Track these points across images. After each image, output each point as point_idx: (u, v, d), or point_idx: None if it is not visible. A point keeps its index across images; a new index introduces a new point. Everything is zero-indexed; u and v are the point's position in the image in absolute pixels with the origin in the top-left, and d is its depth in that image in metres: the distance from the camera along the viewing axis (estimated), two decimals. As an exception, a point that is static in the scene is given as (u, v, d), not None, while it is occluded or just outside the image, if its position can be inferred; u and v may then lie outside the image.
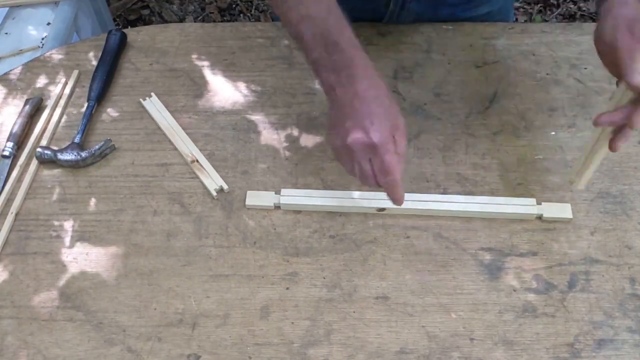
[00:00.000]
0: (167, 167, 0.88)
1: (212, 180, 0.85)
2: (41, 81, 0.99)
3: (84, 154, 0.87)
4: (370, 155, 0.69)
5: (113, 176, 0.88)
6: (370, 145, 0.68)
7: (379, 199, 0.82)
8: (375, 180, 0.71)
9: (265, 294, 0.76)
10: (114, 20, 2.11)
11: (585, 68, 0.97)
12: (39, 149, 0.88)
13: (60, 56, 1.03)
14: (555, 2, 2.25)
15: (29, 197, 0.86)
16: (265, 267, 0.78)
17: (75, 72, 0.99)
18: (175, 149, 0.90)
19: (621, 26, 0.67)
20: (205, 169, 0.86)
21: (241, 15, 2.29)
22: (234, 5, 2.32)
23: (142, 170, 0.88)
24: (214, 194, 0.84)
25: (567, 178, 0.79)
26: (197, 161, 0.87)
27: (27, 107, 0.93)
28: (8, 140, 0.90)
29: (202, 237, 0.81)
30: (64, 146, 0.89)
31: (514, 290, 0.75)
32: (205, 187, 0.85)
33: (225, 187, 0.85)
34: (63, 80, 0.98)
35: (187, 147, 0.89)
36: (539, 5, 2.25)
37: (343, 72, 0.70)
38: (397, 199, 0.72)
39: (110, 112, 0.95)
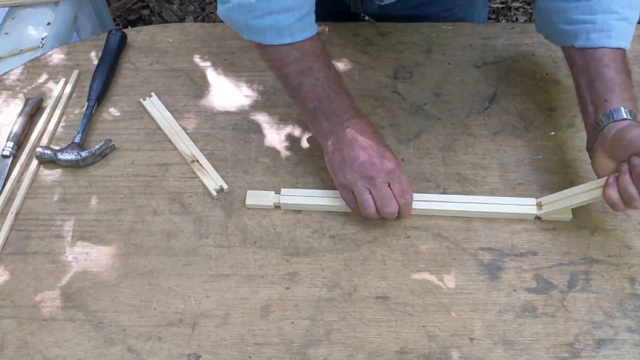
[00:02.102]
0: (167, 167, 0.88)
1: (212, 180, 0.85)
2: (41, 81, 0.99)
3: (84, 154, 0.87)
4: (389, 179, 0.75)
5: (113, 176, 0.88)
6: (391, 171, 0.75)
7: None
8: (391, 206, 0.76)
9: (265, 293, 0.76)
10: (114, 20, 2.11)
11: (585, 68, 0.97)
12: (39, 149, 0.88)
13: (60, 56, 1.03)
14: (555, 2, 2.25)
15: (29, 197, 0.86)
16: (265, 267, 0.78)
17: (75, 72, 0.99)
18: (175, 149, 0.90)
19: None
20: (205, 169, 0.86)
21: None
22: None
23: (142, 170, 0.88)
24: (214, 193, 0.84)
25: (537, 201, 0.81)
26: (197, 161, 0.87)
27: (27, 107, 0.93)
28: (8, 140, 0.90)
29: (202, 237, 0.81)
30: (64, 146, 0.89)
31: (514, 290, 0.75)
32: (205, 187, 0.85)
33: (225, 187, 0.85)
34: (63, 80, 0.98)
35: (187, 147, 0.89)
36: (538, 5, 2.25)
37: (345, 114, 0.78)
38: (408, 212, 0.79)
39: (110, 112, 0.95)
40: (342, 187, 0.78)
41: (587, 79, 0.78)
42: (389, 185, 0.75)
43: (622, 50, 0.77)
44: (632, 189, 0.69)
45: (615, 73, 0.76)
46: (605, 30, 0.77)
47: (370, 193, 0.75)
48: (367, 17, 1.13)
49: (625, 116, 0.73)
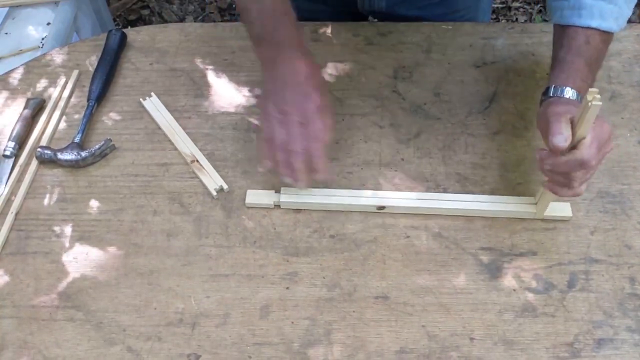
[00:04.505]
0: (167, 167, 0.88)
1: (212, 180, 0.85)
2: (41, 81, 0.99)
3: (84, 154, 0.87)
4: (305, 119, 0.76)
5: (113, 176, 0.88)
6: (310, 112, 0.76)
7: (379, 198, 0.82)
8: (296, 146, 0.76)
9: (265, 293, 0.76)
10: (114, 20, 2.11)
11: (585, 68, 0.97)
12: (39, 149, 0.88)
13: (60, 56, 1.03)
14: (555, 2, 2.25)
15: (29, 197, 0.86)
16: (265, 266, 0.78)
17: (75, 72, 0.99)
18: (175, 149, 0.90)
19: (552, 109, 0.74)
20: (205, 169, 0.86)
21: (241, 15, 2.29)
22: (234, 5, 2.32)
23: (142, 170, 0.88)
24: (214, 193, 0.84)
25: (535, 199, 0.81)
26: (197, 161, 0.87)
27: (29, 107, 0.93)
28: (9, 140, 0.90)
29: (202, 237, 0.81)
30: (64, 146, 0.89)
31: (514, 290, 0.75)
32: (205, 187, 0.85)
33: (225, 186, 0.85)
34: (63, 80, 0.98)
35: (187, 147, 0.89)
36: (539, 5, 2.25)
37: (288, 46, 0.79)
38: (319, 169, 0.77)
39: (110, 112, 0.95)
40: (261, 114, 0.80)
41: (555, 52, 0.81)
42: (301, 124, 0.76)
43: (595, 29, 0.77)
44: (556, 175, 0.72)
45: (569, 53, 0.77)
46: (577, 9, 0.77)
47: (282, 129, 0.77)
48: (371, 18, 1.13)
49: (552, 94, 0.76)
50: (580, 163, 0.69)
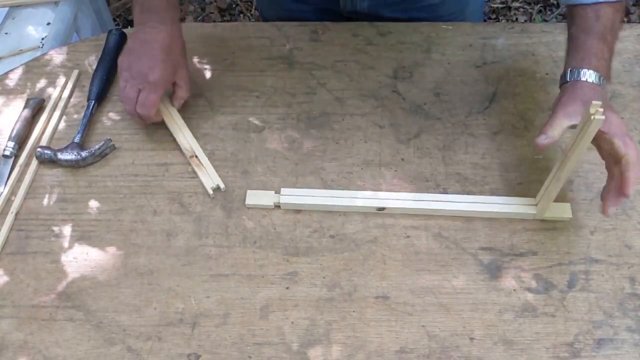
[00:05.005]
0: (167, 167, 0.88)
1: (210, 179, 0.85)
2: (41, 81, 0.99)
3: (84, 154, 0.87)
4: (142, 87, 0.85)
5: (113, 176, 0.88)
6: (148, 82, 0.84)
7: (379, 199, 0.82)
8: (133, 107, 0.86)
9: (265, 293, 0.76)
10: (114, 20, 2.11)
11: (585, 68, 0.97)
12: (39, 149, 0.88)
13: (60, 56, 1.03)
14: (555, 2, 2.25)
15: (29, 197, 0.86)
16: (265, 266, 0.78)
17: (75, 72, 0.99)
18: (177, 148, 0.89)
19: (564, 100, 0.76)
20: (204, 166, 0.86)
21: (241, 15, 2.29)
22: (234, 5, 2.32)
23: (142, 170, 0.88)
24: (211, 192, 0.84)
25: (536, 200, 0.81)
26: (196, 156, 0.87)
27: (29, 107, 0.93)
28: (9, 140, 0.90)
29: (202, 237, 0.81)
30: (64, 146, 0.89)
31: (514, 290, 0.75)
32: (202, 186, 0.85)
33: (222, 186, 0.85)
34: (63, 80, 0.98)
35: (188, 142, 0.89)
36: (539, 5, 2.25)
37: (157, 15, 0.87)
38: (148, 118, 0.88)
39: (110, 111, 0.95)
40: (119, 68, 0.88)
41: (569, 32, 0.81)
42: (139, 91, 0.85)
43: (603, 3, 0.76)
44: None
45: (582, 33, 0.78)
46: None
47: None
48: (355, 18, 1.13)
49: (568, 78, 0.77)
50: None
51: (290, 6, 1.11)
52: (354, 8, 1.05)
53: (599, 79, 0.75)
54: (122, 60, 0.88)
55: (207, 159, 0.87)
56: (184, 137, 0.89)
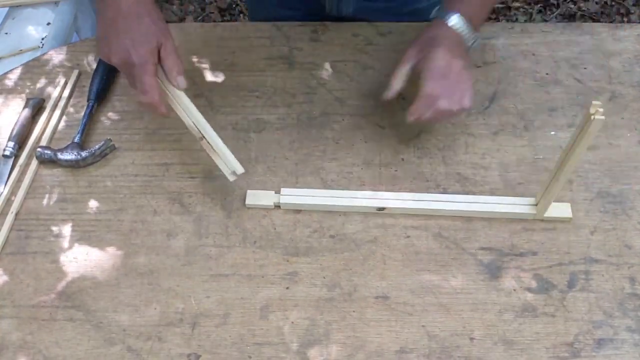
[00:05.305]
0: (167, 166, 0.88)
1: (224, 163, 0.79)
2: (41, 81, 0.99)
3: (84, 154, 0.87)
4: (131, 73, 0.75)
5: (113, 176, 0.88)
6: (131, 65, 0.74)
7: (379, 199, 0.82)
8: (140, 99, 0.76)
9: (265, 293, 0.76)
10: (114, 20, 2.10)
11: (585, 68, 0.97)
12: (39, 149, 0.88)
13: (60, 56, 1.03)
14: (555, 2, 2.26)
15: (29, 197, 0.86)
16: (265, 266, 0.78)
17: (75, 72, 0.99)
18: (178, 148, 0.89)
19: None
20: (215, 149, 0.80)
21: (241, 15, 2.29)
22: (234, 5, 2.32)
23: (142, 170, 0.88)
24: (231, 178, 0.79)
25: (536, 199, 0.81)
26: (205, 138, 0.80)
27: (29, 107, 0.93)
28: (9, 140, 0.90)
29: (202, 237, 0.81)
30: (64, 146, 0.89)
31: (514, 290, 0.75)
32: (203, 187, 0.85)
33: (241, 170, 0.79)
34: (63, 80, 0.98)
35: (195, 122, 0.80)
36: (539, 5, 2.25)
37: None
38: (148, 104, 0.77)
39: (110, 112, 0.95)
40: (101, 55, 0.78)
41: None
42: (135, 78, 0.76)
43: None
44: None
45: None
46: None
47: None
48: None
49: (434, 14, 0.82)
50: (427, 97, 0.77)
51: (276, 11, 1.11)
52: (340, 13, 1.05)
53: (464, 27, 0.80)
54: (102, 53, 0.78)
55: (220, 140, 0.79)
56: (189, 118, 0.81)
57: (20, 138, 0.91)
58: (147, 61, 0.75)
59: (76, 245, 0.81)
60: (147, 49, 0.75)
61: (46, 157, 0.88)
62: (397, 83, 0.81)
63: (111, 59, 0.76)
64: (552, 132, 0.90)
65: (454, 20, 0.80)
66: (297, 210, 0.83)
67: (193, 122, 0.80)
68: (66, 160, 0.87)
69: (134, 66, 0.75)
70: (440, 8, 0.82)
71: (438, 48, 0.78)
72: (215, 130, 0.91)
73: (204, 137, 0.80)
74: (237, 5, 2.32)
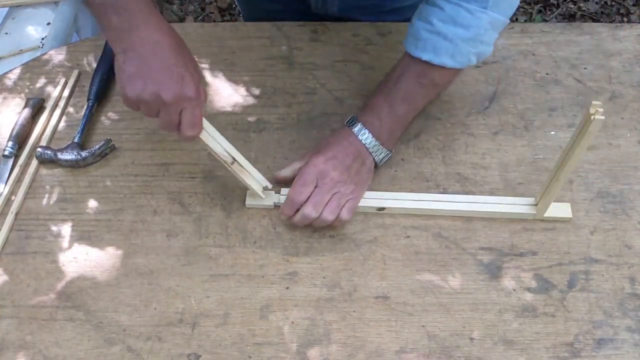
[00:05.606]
0: (167, 166, 0.88)
1: (256, 181, 0.80)
2: (41, 81, 0.99)
3: (84, 154, 0.87)
4: (183, 107, 0.69)
5: (113, 176, 0.88)
6: (188, 98, 0.68)
7: (379, 199, 0.82)
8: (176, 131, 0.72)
9: (265, 293, 0.76)
10: (114, 20, 2.10)
11: (585, 68, 0.97)
12: (39, 149, 0.88)
13: (60, 56, 1.03)
14: (555, 2, 2.26)
15: (29, 197, 0.86)
16: (265, 266, 0.78)
17: (75, 72, 0.99)
18: (177, 147, 0.89)
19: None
20: (247, 170, 0.80)
21: (241, 15, 2.29)
22: (234, 5, 2.32)
23: (142, 170, 0.88)
24: (263, 196, 0.81)
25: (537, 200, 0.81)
26: (237, 161, 0.79)
27: (29, 107, 0.93)
28: (9, 140, 0.90)
29: (202, 237, 0.81)
30: (64, 146, 0.89)
31: (514, 290, 0.75)
32: (204, 187, 0.85)
33: (270, 185, 0.82)
34: (63, 80, 0.98)
35: (224, 148, 0.78)
36: (539, 5, 2.25)
37: (140, 12, 0.67)
38: (191, 138, 0.73)
39: (110, 112, 0.95)
40: (130, 101, 0.68)
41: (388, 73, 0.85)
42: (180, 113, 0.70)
43: (426, 62, 0.78)
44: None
45: (390, 83, 0.83)
46: (415, 38, 0.79)
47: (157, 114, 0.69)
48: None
49: (348, 124, 0.83)
50: (290, 200, 0.78)
51: (264, 5, 1.11)
52: (325, 11, 1.06)
53: (367, 142, 0.81)
54: (134, 89, 0.67)
55: (247, 161, 0.80)
56: (219, 144, 0.78)
57: (20, 138, 0.91)
58: (200, 94, 0.70)
59: (76, 245, 0.81)
60: (197, 81, 0.70)
61: (46, 157, 0.88)
62: (284, 172, 0.83)
63: (161, 94, 0.67)
64: (552, 132, 0.90)
65: (360, 132, 0.81)
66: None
67: (225, 149, 0.78)
68: (66, 160, 0.87)
69: (185, 100, 0.68)
70: (354, 117, 0.83)
71: (318, 155, 0.79)
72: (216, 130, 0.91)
73: (235, 160, 0.79)
74: (237, 5, 2.32)
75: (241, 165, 0.79)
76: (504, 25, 0.79)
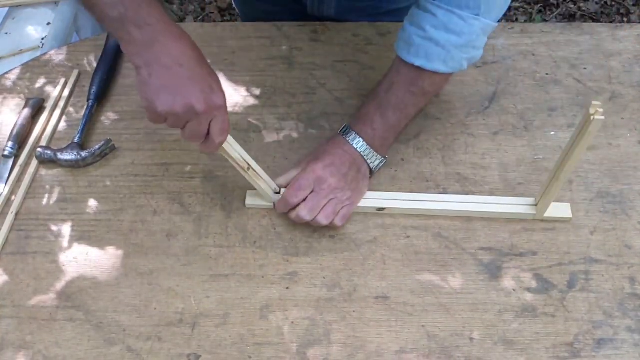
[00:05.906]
0: (167, 167, 0.88)
1: (268, 186, 0.81)
2: (41, 81, 0.99)
3: (84, 154, 0.87)
4: (213, 116, 0.68)
5: (113, 176, 0.88)
6: (218, 107, 0.68)
7: (379, 199, 0.82)
8: (197, 140, 0.70)
9: (265, 293, 0.76)
10: (114, 20, 2.10)
11: (585, 68, 0.97)
12: (39, 149, 0.88)
13: (60, 56, 1.03)
14: (555, 2, 2.26)
15: (29, 197, 0.86)
16: (265, 267, 0.78)
17: (75, 72, 0.99)
18: (177, 147, 0.89)
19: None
20: (261, 175, 0.80)
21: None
22: (233, 6, 2.32)
23: (142, 170, 0.88)
24: (274, 198, 0.81)
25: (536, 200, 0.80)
26: (252, 167, 0.79)
27: (29, 107, 0.93)
28: (9, 140, 0.90)
29: (202, 237, 0.81)
30: (64, 146, 0.89)
31: (514, 290, 0.75)
32: (204, 187, 0.85)
33: (278, 188, 0.82)
34: (63, 80, 0.98)
35: (240, 154, 0.77)
36: (539, 5, 2.25)
37: (159, 25, 0.66)
38: (218, 146, 0.72)
39: (110, 112, 0.95)
40: (159, 115, 0.67)
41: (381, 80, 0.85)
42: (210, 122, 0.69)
43: (418, 68, 0.78)
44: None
45: (381, 92, 0.83)
46: (407, 43, 0.79)
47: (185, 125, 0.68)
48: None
49: (340, 131, 0.83)
50: (284, 201, 0.79)
51: (261, 7, 1.11)
52: (321, 13, 1.06)
53: (363, 150, 0.81)
54: (164, 102, 0.65)
55: (260, 168, 0.80)
56: (235, 150, 0.77)
57: (20, 138, 0.91)
58: (226, 102, 0.71)
59: (76, 245, 0.81)
60: (222, 88, 0.70)
61: (46, 157, 0.88)
62: (280, 180, 0.82)
63: (195, 105, 0.66)
64: (552, 132, 0.90)
65: (354, 140, 0.81)
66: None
67: (240, 155, 0.77)
68: (66, 160, 0.87)
69: (215, 109, 0.68)
70: (347, 126, 0.83)
71: (317, 161, 0.80)
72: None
73: (250, 166, 0.78)
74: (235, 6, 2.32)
75: (256, 172, 0.79)
76: (493, 29, 0.80)
